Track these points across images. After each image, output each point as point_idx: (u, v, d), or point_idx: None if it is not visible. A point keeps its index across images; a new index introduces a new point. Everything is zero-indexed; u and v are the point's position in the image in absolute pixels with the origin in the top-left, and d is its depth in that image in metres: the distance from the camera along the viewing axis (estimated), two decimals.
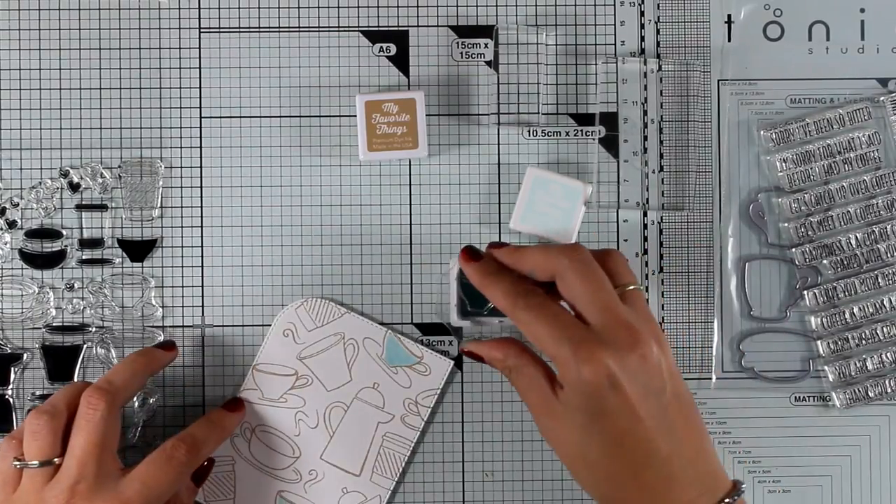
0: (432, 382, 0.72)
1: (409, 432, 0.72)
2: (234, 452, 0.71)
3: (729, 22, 0.73)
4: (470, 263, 0.64)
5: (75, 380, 0.72)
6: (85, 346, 0.72)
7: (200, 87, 0.73)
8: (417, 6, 0.73)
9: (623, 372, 0.57)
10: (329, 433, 0.71)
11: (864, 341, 0.73)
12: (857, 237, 0.72)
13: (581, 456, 0.59)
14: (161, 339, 0.72)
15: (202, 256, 0.73)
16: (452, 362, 0.72)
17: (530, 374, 0.61)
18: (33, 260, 0.72)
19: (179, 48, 0.73)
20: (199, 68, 0.73)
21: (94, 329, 0.72)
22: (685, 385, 0.61)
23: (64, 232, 0.72)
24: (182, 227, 0.73)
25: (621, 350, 0.57)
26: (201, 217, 0.73)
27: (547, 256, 0.61)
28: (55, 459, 0.63)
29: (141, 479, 0.63)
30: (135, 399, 0.72)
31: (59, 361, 0.71)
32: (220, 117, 0.73)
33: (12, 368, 0.72)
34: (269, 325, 0.72)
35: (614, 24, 0.73)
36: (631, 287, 0.61)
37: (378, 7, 0.73)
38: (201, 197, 0.73)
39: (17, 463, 0.63)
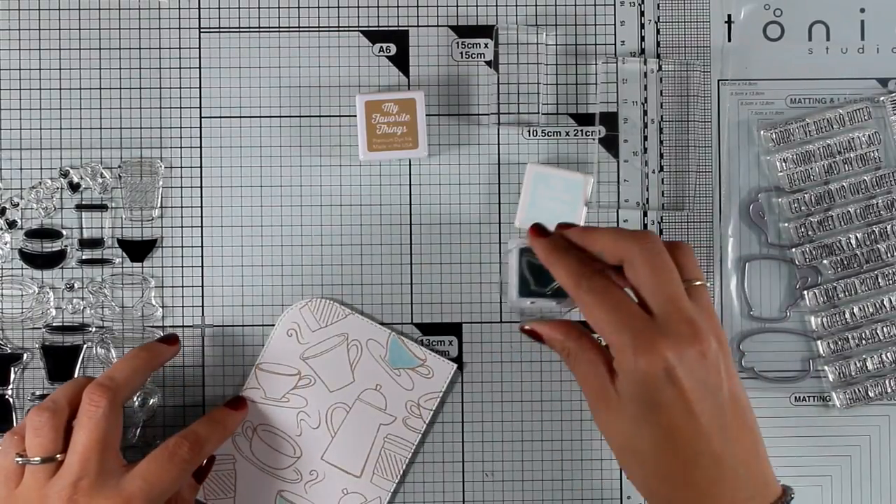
0: (435, 385, 0.72)
1: (411, 434, 0.71)
2: (236, 451, 0.71)
3: (729, 22, 0.73)
4: (539, 239, 0.63)
5: None
6: (85, 346, 0.72)
7: (200, 87, 0.73)
8: (417, 6, 0.73)
9: (681, 366, 0.56)
10: (331, 434, 0.71)
11: (864, 341, 0.73)
12: (857, 237, 0.72)
13: (631, 448, 0.58)
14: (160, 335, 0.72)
15: (202, 256, 0.73)
16: (455, 366, 0.72)
17: (589, 359, 0.60)
18: (33, 260, 0.72)
19: (179, 48, 0.73)
20: (199, 68, 0.73)
21: (94, 329, 0.72)
22: (743, 388, 0.60)
23: (64, 232, 0.72)
24: (182, 227, 0.73)
25: (681, 344, 0.57)
26: (201, 217, 0.73)
27: (618, 240, 0.60)
28: (57, 456, 0.63)
29: (143, 476, 0.63)
30: (135, 399, 0.72)
31: (59, 361, 0.71)
32: (220, 117, 0.73)
33: (12, 368, 0.72)
34: (270, 325, 0.72)
35: (614, 24, 0.73)
36: (697, 283, 0.60)
37: (378, 7, 0.73)
38: (201, 197, 0.73)
39: (20, 459, 0.63)
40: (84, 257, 0.72)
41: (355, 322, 0.72)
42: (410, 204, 0.73)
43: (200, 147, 0.73)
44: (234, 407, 0.70)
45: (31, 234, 0.72)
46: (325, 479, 0.71)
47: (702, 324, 0.58)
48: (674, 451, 0.57)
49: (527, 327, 0.65)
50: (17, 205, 0.72)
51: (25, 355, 0.72)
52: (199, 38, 0.73)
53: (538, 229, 0.64)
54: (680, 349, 0.56)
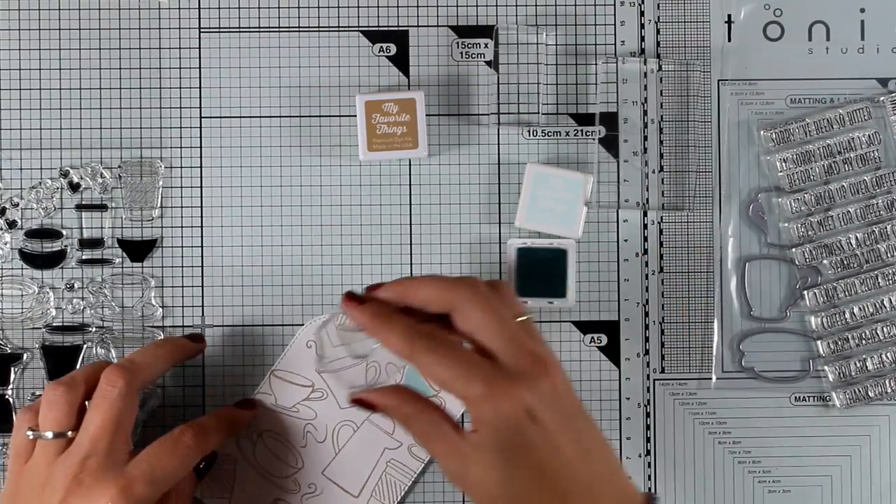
0: None
1: (414, 463, 0.71)
2: (238, 453, 0.71)
3: (729, 22, 0.73)
4: (357, 308, 0.60)
5: None
6: (85, 346, 0.72)
7: (200, 87, 0.73)
8: (417, 6, 0.73)
9: (539, 403, 0.56)
10: (335, 450, 0.71)
11: (864, 341, 0.73)
12: (857, 237, 0.72)
13: (503, 495, 0.57)
14: (160, 337, 0.72)
15: (202, 256, 0.73)
16: None
17: (430, 419, 0.59)
18: (33, 260, 0.72)
19: (179, 48, 0.73)
20: (199, 68, 0.73)
21: (94, 329, 0.72)
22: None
23: (64, 232, 0.72)
24: (182, 227, 0.73)
25: (534, 381, 0.57)
26: (201, 217, 0.73)
27: (443, 287, 0.59)
28: (69, 433, 0.63)
29: (148, 460, 0.62)
30: None
31: (59, 361, 0.71)
32: (220, 117, 0.73)
33: (12, 368, 0.72)
34: (270, 325, 0.72)
35: (614, 24, 0.73)
36: (523, 317, 0.60)
37: (378, 7, 0.73)
38: (201, 197, 0.73)
39: (31, 433, 0.63)
40: (84, 257, 0.72)
41: (377, 344, 0.71)
42: (410, 204, 0.73)
43: (200, 147, 0.73)
44: (243, 407, 0.70)
45: (31, 234, 0.72)
46: (323, 494, 0.71)
47: (547, 357, 0.58)
48: (547, 487, 0.57)
49: (356, 397, 0.62)
50: (17, 205, 0.72)
51: (25, 355, 0.72)
52: (199, 38, 0.73)
53: (351, 297, 0.61)
54: (534, 387, 0.57)
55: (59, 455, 0.62)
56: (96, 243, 0.72)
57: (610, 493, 0.58)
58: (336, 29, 0.73)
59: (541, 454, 0.57)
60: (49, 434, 0.63)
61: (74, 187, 0.72)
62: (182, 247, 0.73)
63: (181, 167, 0.73)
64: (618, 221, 0.73)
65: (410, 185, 0.73)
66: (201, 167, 0.73)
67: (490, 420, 0.56)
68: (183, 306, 0.73)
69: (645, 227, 0.73)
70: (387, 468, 0.71)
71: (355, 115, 0.71)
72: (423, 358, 0.58)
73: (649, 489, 0.70)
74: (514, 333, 0.58)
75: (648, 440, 0.73)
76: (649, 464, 0.73)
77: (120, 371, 0.63)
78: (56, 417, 0.63)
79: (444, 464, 0.59)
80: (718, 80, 0.73)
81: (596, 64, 0.73)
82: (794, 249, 0.73)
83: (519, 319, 0.60)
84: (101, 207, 0.72)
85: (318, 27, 0.73)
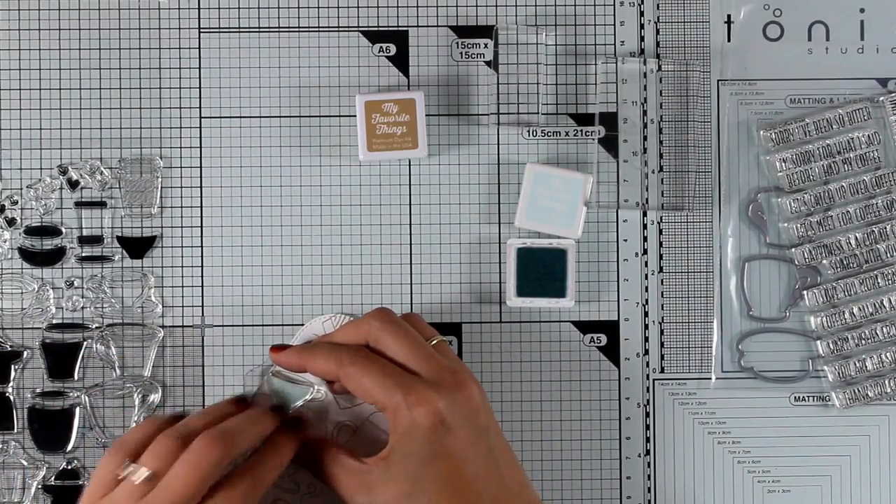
0: None
1: None
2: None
3: (729, 22, 0.74)
4: (282, 351, 0.65)
5: (75, 377, 0.72)
6: (85, 343, 0.72)
7: (200, 87, 0.73)
8: (417, 6, 0.73)
9: (453, 414, 0.59)
10: None
11: (863, 341, 0.73)
12: (856, 237, 0.73)
13: None
14: (160, 335, 0.72)
15: (202, 256, 0.73)
16: None
17: (331, 455, 0.62)
18: (33, 257, 0.72)
19: (179, 48, 0.73)
20: (199, 68, 0.73)
21: (93, 326, 0.72)
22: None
23: (63, 229, 0.72)
24: (182, 227, 0.73)
25: (450, 392, 0.60)
26: (201, 217, 0.73)
27: (356, 326, 0.64)
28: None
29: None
30: (135, 396, 0.72)
31: (59, 359, 0.71)
32: (220, 117, 0.73)
33: (12, 366, 0.72)
34: (270, 325, 0.72)
35: (614, 24, 0.74)
36: (436, 340, 0.64)
37: (378, 7, 0.73)
38: (201, 197, 0.73)
39: (130, 466, 0.58)
40: (83, 254, 0.72)
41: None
42: (410, 204, 0.73)
43: (200, 147, 0.73)
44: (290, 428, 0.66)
45: (31, 231, 0.72)
46: (323, 495, 0.70)
47: (463, 372, 0.62)
48: (455, 498, 0.59)
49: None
50: (17, 202, 0.72)
51: (25, 353, 0.72)
52: (199, 38, 0.73)
53: (278, 346, 0.66)
54: (450, 398, 0.60)
55: (138, 500, 0.57)
56: (96, 240, 0.72)
57: None
58: (336, 29, 0.73)
59: (451, 465, 0.59)
60: (144, 471, 0.58)
61: (73, 184, 0.72)
62: (182, 247, 0.73)
63: (181, 167, 0.73)
64: (617, 221, 0.73)
65: (410, 185, 0.73)
66: (201, 167, 0.73)
67: (407, 429, 0.59)
68: (183, 305, 0.73)
69: (644, 227, 0.73)
70: None
71: (355, 115, 0.72)
72: (348, 370, 0.61)
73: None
74: (429, 353, 0.62)
75: (648, 440, 0.73)
76: (649, 464, 0.73)
77: (217, 442, 0.59)
78: (155, 461, 0.58)
79: (351, 498, 0.61)
80: (718, 80, 0.73)
81: (595, 64, 0.73)
82: (793, 249, 0.73)
83: (432, 342, 0.64)
84: (101, 204, 0.72)
85: (318, 27, 0.73)
